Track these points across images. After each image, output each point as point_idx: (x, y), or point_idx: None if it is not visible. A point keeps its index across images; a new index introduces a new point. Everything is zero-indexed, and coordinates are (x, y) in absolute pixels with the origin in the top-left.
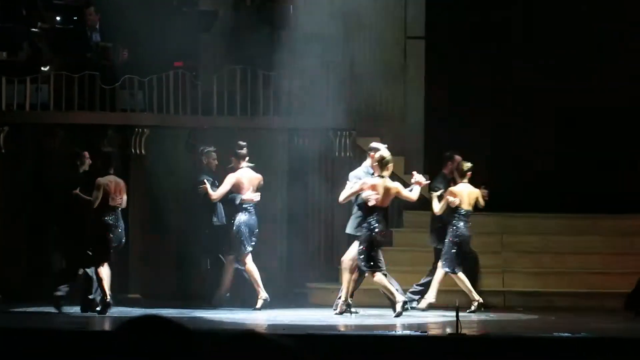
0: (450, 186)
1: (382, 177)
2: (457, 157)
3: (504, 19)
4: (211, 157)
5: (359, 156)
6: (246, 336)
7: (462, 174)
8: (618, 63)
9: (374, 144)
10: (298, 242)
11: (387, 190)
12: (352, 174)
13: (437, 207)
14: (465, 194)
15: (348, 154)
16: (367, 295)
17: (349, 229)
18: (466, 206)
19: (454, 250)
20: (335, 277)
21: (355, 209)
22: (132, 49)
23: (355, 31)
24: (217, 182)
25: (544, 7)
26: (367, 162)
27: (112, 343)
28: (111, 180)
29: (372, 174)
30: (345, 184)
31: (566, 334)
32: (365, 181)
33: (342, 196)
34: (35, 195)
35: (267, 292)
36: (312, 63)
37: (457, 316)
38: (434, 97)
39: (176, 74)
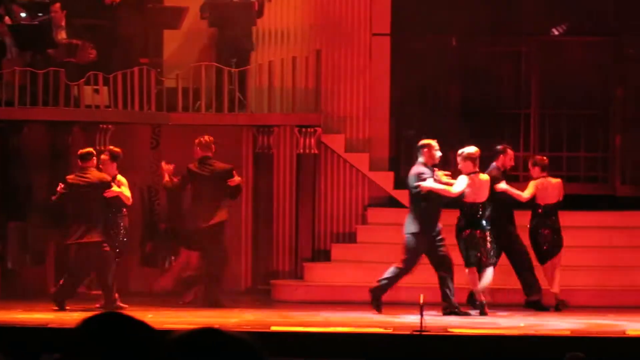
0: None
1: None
2: (510, 150)
3: (468, 16)
4: None
5: (324, 153)
6: (204, 333)
7: (543, 168)
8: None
9: (425, 141)
10: (263, 238)
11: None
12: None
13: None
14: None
15: (313, 150)
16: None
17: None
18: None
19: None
20: (299, 273)
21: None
22: (98, 46)
23: (321, 28)
24: None
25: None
26: (421, 159)
27: (71, 340)
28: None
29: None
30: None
31: (530, 331)
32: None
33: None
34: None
35: (233, 288)
36: (277, 59)
37: (421, 313)
38: (399, 94)
39: (141, 71)
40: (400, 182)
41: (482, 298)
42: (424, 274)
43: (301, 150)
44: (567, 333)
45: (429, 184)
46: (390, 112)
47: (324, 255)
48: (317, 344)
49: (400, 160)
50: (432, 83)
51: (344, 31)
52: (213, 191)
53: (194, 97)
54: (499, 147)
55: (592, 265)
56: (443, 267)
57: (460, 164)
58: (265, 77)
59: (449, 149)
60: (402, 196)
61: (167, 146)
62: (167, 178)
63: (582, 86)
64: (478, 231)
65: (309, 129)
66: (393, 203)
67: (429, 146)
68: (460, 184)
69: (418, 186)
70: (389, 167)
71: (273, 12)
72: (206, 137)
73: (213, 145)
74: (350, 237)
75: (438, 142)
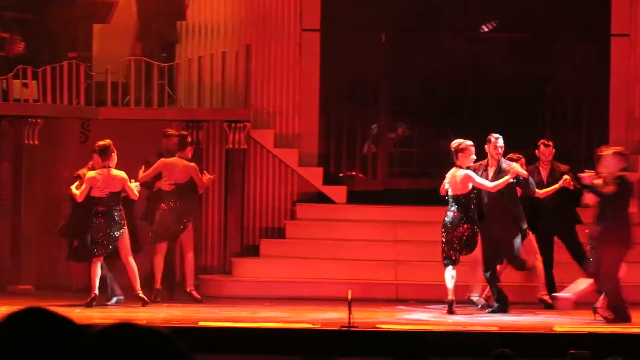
0: None
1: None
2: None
3: (398, 12)
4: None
5: (253, 148)
6: (120, 328)
7: None
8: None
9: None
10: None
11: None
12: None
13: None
14: None
15: (242, 145)
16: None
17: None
18: None
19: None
20: (228, 269)
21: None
22: (27, 39)
23: (251, 23)
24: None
25: None
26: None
27: None
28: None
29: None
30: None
31: (458, 328)
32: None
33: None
34: None
35: (163, 283)
36: (207, 54)
37: (349, 308)
38: (328, 90)
39: (70, 65)
40: (329, 178)
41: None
42: (353, 269)
43: (230, 146)
44: (495, 330)
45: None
46: (319, 108)
47: (252, 251)
48: (245, 340)
49: (330, 156)
50: (362, 79)
51: (273, 26)
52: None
53: (124, 92)
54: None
55: None
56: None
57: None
58: (194, 72)
59: (379, 145)
60: (331, 192)
61: (96, 140)
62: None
63: (512, 83)
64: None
65: (238, 124)
66: (322, 199)
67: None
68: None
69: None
70: (318, 163)
71: (203, 6)
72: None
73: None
74: (279, 233)
75: (368, 138)
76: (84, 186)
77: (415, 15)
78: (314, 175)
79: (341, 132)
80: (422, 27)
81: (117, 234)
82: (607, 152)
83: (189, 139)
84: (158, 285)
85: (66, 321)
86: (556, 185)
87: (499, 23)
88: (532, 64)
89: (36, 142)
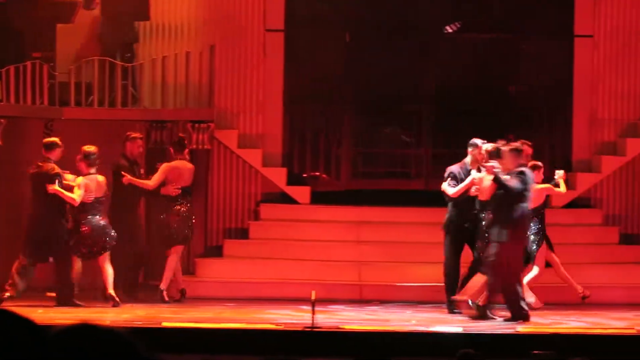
0: None
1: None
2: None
3: (362, 11)
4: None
5: (217, 148)
6: (79, 329)
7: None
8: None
9: (474, 140)
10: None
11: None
12: (449, 169)
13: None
14: None
15: (206, 146)
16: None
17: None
18: None
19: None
20: (191, 269)
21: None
22: None
23: (215, 23)
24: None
25: None
26: (467, 159)
27: None
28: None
29: (470, 170)
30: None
31: (421, 328)
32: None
33: (454, 190)
34: None
35: (119, 285)
36: (171, 54)
37: (312, 309)
38: (292, 90)
39: (34, 65)
40: (293, 178)
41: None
42: (317, 270)
43: (194, 146)
44: (459, 330)
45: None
46: (283, 108)
47: (216, 251)
48: (209, 340)
49: (294, 156)
50: (326, 79)
51: (237, 27)
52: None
53: (87, 92)
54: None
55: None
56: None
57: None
58: (158, 72)
59: (343, 145)
60: (295, 192)
61: (60, 141)
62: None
63: (476, 83)
64: None
65: (201, 125)
66: (286, 199)
67: (475, 146)
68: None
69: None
70: (281, 163)
71: (167, 6)
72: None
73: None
74: (242, 233)
75: (332, 138)
76: (81, 191)
77: (379, 14)
78: (278, 176)
79: (305, 133)
80: (386, 26)
81: (107, 238)
82: (505, 148)
83: (186, 141)
84: (164, 286)
85: (26, 322)
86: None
87: (463, 23)
88: (496, 64)
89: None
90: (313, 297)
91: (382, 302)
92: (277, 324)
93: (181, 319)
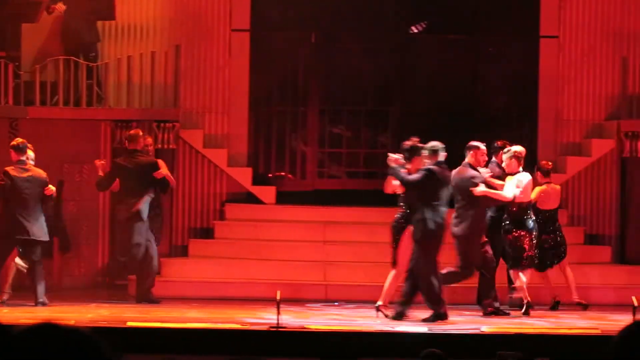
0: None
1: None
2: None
3: (328, 12)
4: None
5: (182, 148)
6: (41, 328)
7: (546, 173)
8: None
9: (473, 143)
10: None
11: None
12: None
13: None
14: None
15: (171, 145)
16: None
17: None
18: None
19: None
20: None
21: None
22: None
23: (180, 23)
24: None
25: None
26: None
27: None
28: None
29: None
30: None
31: (387, 328)
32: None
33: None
34: None
35: (92, 283)
36: (136, 54)
37: (278, 309)
38: (258, 90)
39: None
40: (258, 178)
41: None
42: (282, 270)
43: (159, 146)
44: (425, 331)
45: (482, 189)
46: (249, 108)
47: (181, 251)
48: (174, 340)
49: (259, 156)
50: (292, 79)
51: (203, 26)
52: (138, 184)
53: (52, 91)
54: (497, 143)
55: (447, 262)
56: (485, 268)
57: (506, 163)
58: (124, 71)
59: (308, 145)
60: (260, 192)
61: (25, 140)
62: (101, 173)
63: (443, 83)
64: (525, 232)
65: (167, 124)
66: (251, 199)
67: (477, 148)
68: (511, 188)
69: (472, 191)
70: (247, 163)
71: (132, 6)
72: (133, 131)
73: (141, 139)
74: (207, 233)
75: (297, 139)
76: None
77: (345, 15)
78: (243, 176)
79: (270, 133)
80: (351, 27)
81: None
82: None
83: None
84: None
85: None
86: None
87: (428, 24)
88: (462, 64)
89: None
90: (278, 297)
91: (347, 302)
92: (242, 324)
93: (146, 318)
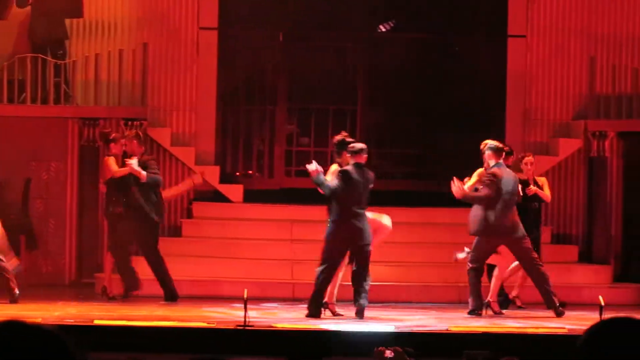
0: None
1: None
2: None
3: (295, 11)
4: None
5: (150, 146)
6: (6, 325)
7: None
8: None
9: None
10: (88, 232)
11: None
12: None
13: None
14: None
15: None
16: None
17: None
18: None
19: None
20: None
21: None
22: None
23: (148, 21)
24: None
25: None
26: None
27: None
28: None
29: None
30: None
31: (354, 327)
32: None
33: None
34: None
35: (59, 282)
36: (104, 51)
37: (245, 308)
38: (226, 88)
39: None
40: (226, 176)
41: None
42: (250, 268)
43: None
44: (392, 329)
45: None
46: (216, 106)
47: None
48: (141, 338)
49: (227, 154)
50: (259, 78)
51: (171, 24)
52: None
53: (19, 89)
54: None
55: (417, 261)
56: None
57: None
58: (91, 69)
59: (275, 144)
60: (228, 191)
61: None
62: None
63: (409, 83)
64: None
65: (135, 122)
66: (218, 198)
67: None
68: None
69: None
70: (214, 161)
71: (100, 4)
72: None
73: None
74: (175, 231)
75: (265, 137)
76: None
77: (313, 14)
78: (211, 174)
79: (238, 131)
80: (319, 26)
81: None
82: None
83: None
84: None
85: None
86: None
87: (396, 23)
88: (429, 64)
89: None
90: (245, 296)
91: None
92: (209, 322)
93: (113, 316)
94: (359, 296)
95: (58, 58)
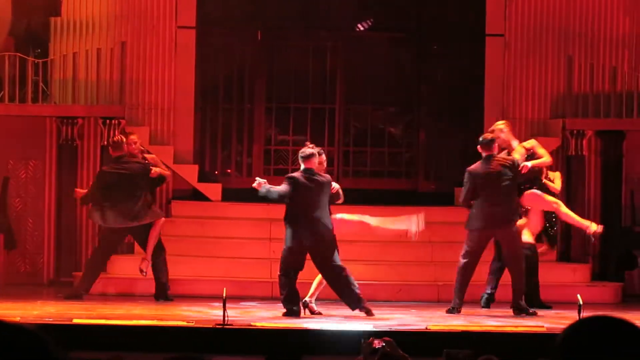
0: None
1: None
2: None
3: (274, 9)
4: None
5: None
6: None
7: None
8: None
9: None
10: (67, 231)
11: None
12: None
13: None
14: None
15: None
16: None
17: None
18: None
19: None
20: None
21: None
22: None
23: (126, 19)
24: None
25: None
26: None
27: None
28: None
29: None
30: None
31: (333, 326)
32: None
33: None
34: None
35: (38, 281)
36: (81, 50)
37: (224, 307)
38: (204, 87)
39: None
40: (204, 175)
41: None
42: (229, 267)
43: (105, 142)
44: (370, 328)
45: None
46: (195, 105)
47: (127, 248)
48: (120, 337)
49: (205, 153)
50: (238, 77)
51: (149, 23)
52: (133, 189)
53: None
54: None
55: (392, 260)
56: None
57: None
58: (69, 68)
59: (254, 143)
60: (206, 189)
61: None
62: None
63: (387, 82)
64: None
65: (113, 121)
66: (197, 196)
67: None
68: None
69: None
70: (193, 160)
71: (78, 2)
72: (117, 137)
73: (125, 145)
74: None
75: (243, 136)
76: None
77: (291, 13)
78: (189, 173)
79: (216, 130)
80: (297, 25)
81: None
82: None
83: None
84: None
85: None
86: None
87: (374, 22)
88: (407, 63)
89: None
90: (224, 295)
91: None
92: (188, 321)
93: (92, 315)
94: (358, 302)
95: (36, 57)
